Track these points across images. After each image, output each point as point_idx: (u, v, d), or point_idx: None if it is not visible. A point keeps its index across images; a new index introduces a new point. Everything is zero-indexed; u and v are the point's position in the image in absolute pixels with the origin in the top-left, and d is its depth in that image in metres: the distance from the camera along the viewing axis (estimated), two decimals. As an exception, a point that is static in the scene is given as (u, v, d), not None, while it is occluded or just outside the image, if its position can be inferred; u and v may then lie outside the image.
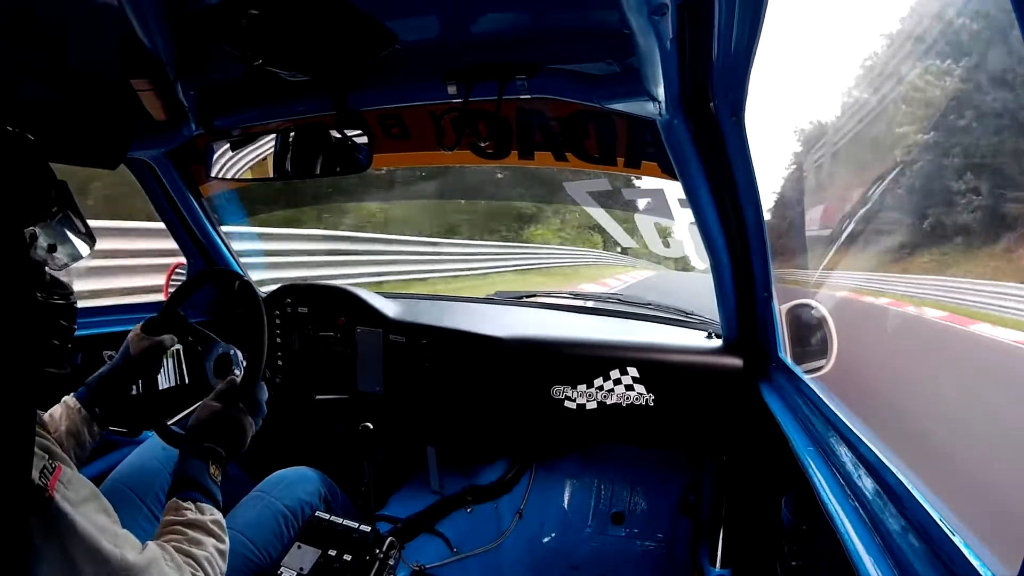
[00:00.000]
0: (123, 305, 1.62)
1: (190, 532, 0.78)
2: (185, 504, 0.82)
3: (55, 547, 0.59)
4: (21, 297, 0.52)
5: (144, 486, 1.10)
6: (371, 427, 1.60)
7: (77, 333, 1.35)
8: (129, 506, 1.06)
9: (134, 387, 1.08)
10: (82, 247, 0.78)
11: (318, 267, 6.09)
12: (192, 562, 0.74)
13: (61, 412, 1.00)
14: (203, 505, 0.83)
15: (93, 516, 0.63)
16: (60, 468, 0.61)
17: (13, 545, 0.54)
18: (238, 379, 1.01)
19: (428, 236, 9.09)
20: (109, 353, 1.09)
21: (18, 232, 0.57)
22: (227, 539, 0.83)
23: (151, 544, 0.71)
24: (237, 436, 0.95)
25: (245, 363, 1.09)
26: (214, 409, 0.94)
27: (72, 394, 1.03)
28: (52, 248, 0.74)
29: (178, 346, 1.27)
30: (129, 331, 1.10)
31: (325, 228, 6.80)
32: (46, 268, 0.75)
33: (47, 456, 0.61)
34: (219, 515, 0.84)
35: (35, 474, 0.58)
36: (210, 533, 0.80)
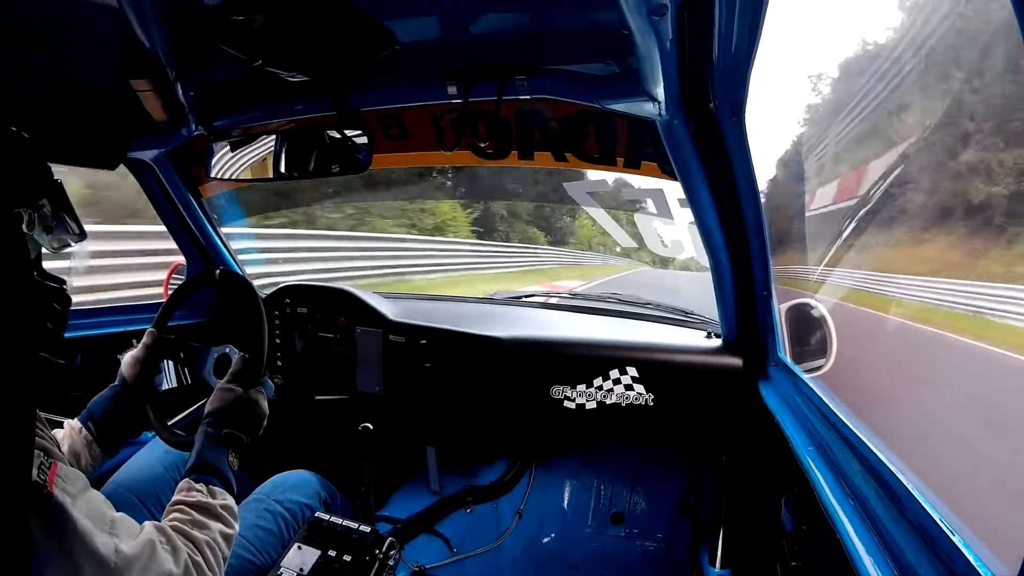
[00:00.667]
0: (123, 306, 1.62)
1: (196, 514, 0.78)
2: (197, 486, 0.82)
3: (55, 544, 0.59)
4: (15, 271, 0.52)
5: (146, 490, 1.10)
6: (371, 427, 1.60)
7: (78, 334, 1.36)
8: (130, 510, 1.05)
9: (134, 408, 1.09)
10: (71, 239, 0.82)
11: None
12: (191, 544, 0.73)
13: (65, 432, 1.01)
14: (215, 489, 0.83)
15: (89, 507, 0.63)
16: (56, 464, 0.62)
17: (13, 543, 0.54)
18: (247, 356, 1.02)
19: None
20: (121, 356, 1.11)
21: (10, 212, 0.57)
22: (236, 525, 0.82)
23: (147, 526, 0.70)
24: (257, 421, 0.96)
25: (246, 354, 1.09)
26: (236, 394, 0.95)
27: (76, 418, 1.04)
28: (48, 230, 0.77)
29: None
30: (128, 331, 1.10)
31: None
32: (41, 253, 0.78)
33: (43, 454, 0.61)
34: (231, 501, 0.84)
35: (34, 471, 0.58)
36: (217, 517, 0.80)
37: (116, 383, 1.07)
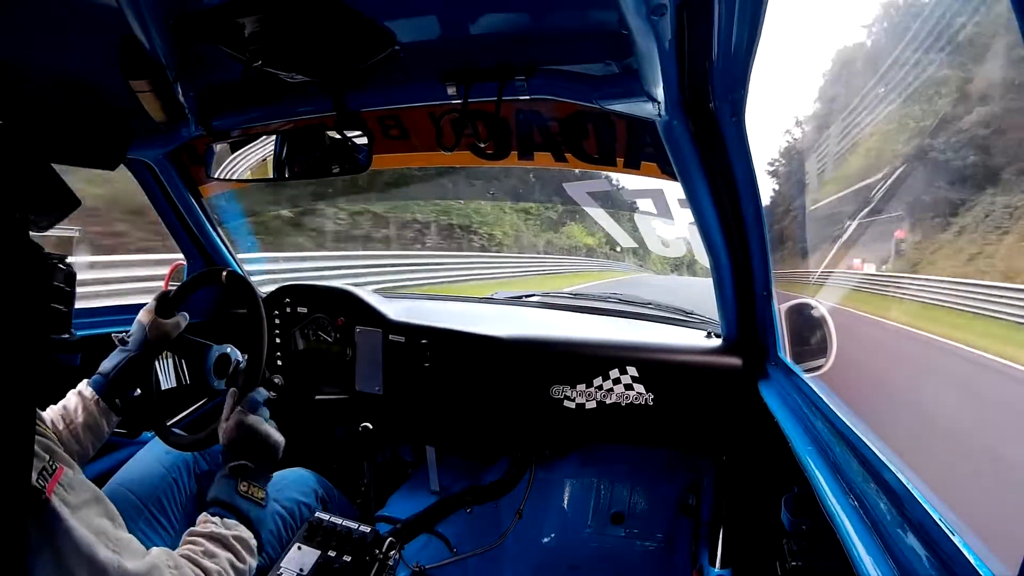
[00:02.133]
0: (123, 306, 1.62)
1: (207, 544, 0.78)
2: (212, 519, 0.82)
3: (49, 550, 0.58)
4: (18, 253, 0.52)
5: (147, 491, 1.10)
6: (370, 427, 1.60)
7: (80, 333, 1.35)
8: (130, 510, 1.06)
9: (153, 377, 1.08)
10: (63, 213, 0.76)
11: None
12: (200, 572, 0.73)
13: (77, 403, 0.98)
14: (228, 521, 0.82)
15: (92, 520, 0.62)
16: (61, 470, 0.60)
17: (11, 547, 0.53)
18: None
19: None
20: (119, 336, 1.08)
21: (5, 199, 0.56)
22: (250, 559, 0.81)
23: (155, 550, 0.70)
24: (263, 445, 0.94)
25: (245, 357, 1.09)
26: (239, 420, 0.93)
27: (86, 382, 1.01)
28: (35, 211, 0.73)
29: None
30: (128, 331, 1.10)
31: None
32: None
33: (48, 457, 0.60)
34: (244, 531, 0.82)
35: (34, 475, 0.57)
36: (228, 547, 0.79)
37: (135, 346, 1.05)
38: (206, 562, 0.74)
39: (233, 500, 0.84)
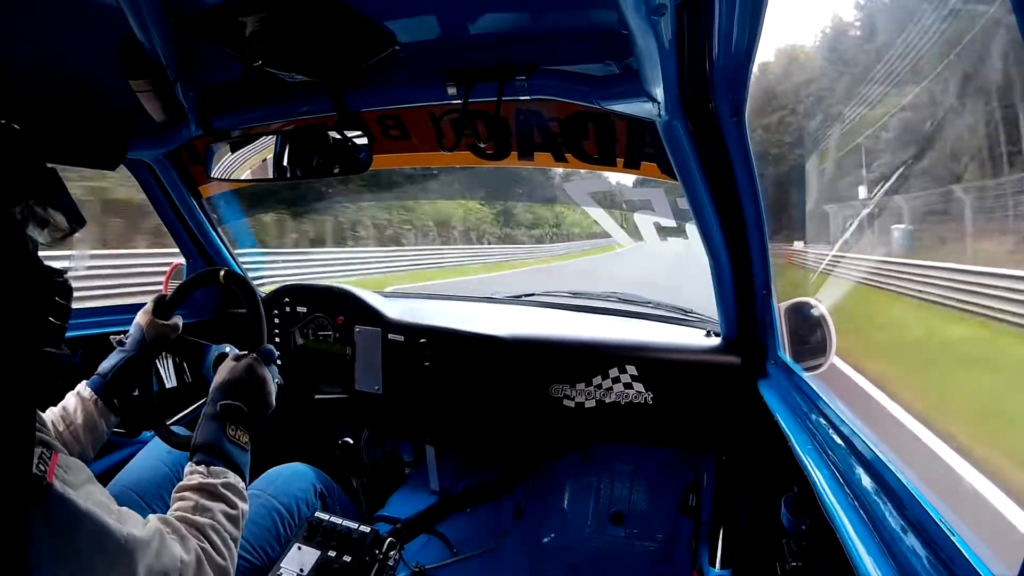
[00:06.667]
0: (123, 306, 1.62)
1: (197, 498, 0.76)
2: (198, 468, 0.80)
3: (57, 533, 0.58)
4: (17, 269, 0.52)
5: (150, 490, 1.10)
6: (351, 441, 1.62)
7: (78, 333, 1.35)
8: (134, 510, 1.05)
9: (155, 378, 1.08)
10: (69, 228, 0.76)
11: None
12: (196, 531, 0.72)
13: (76, 404, 0.98)
14: (216, 468, 0.80)
15: (94, 495, 0.62)
16: (57, 455, 0.60)
17: (12, 538, 0.53)
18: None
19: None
20: (117, 338, 1.08)
21: (8, 210, 0.57)
22: (241, 503, 0.80)
23: (152, 517, 0.70)
24: (255, 387, 0.92)
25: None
26: (251, 365, 0.93)
27: (85, 383, 1.01)
28: (43, 224, 0.72)
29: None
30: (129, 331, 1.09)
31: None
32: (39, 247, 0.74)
33: (42, 447, 0.60)
34: (232, 477, 0.81)
35: (33, 464, 0.57)
36: (219, 498, 0.77)
37: (132, 346, 1.04)
38: (199, 518, 0.73)
39: (221, 444, 0.83)
